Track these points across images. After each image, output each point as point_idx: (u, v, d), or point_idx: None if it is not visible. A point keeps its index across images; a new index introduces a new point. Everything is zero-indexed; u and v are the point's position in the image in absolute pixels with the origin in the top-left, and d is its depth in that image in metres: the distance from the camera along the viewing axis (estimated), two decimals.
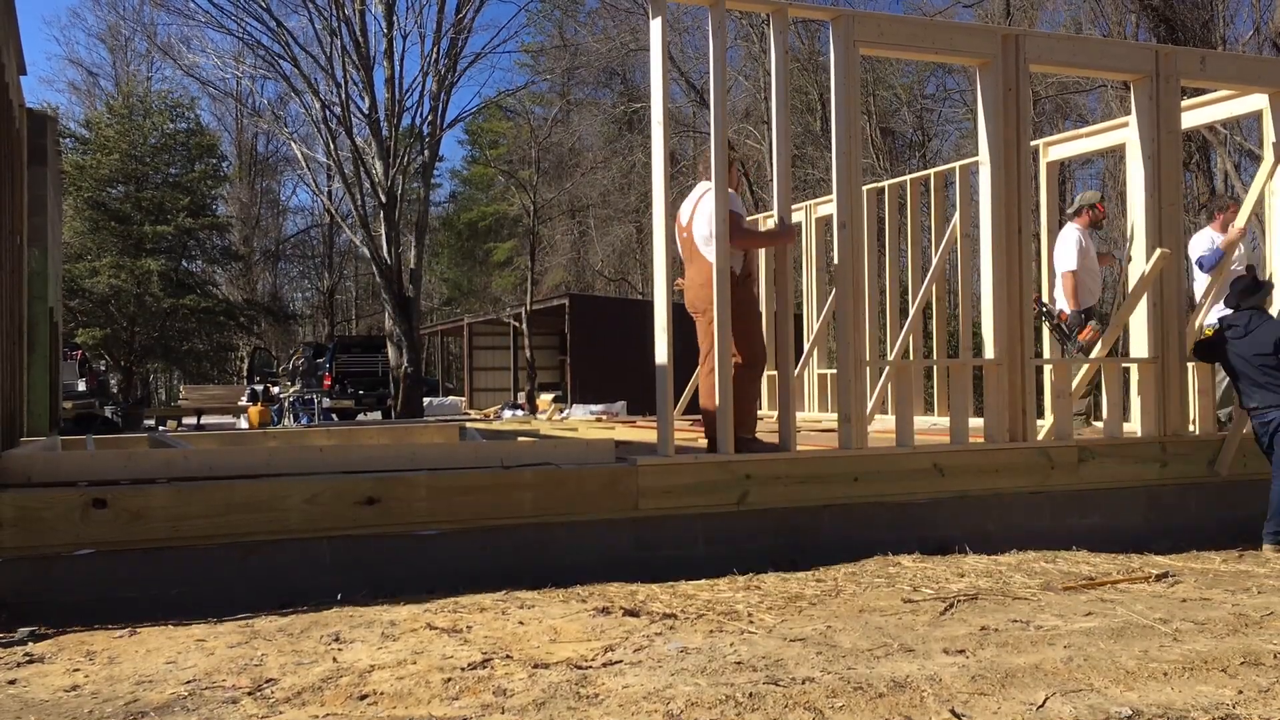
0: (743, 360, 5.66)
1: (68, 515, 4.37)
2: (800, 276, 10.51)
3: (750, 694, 3.05)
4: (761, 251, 7.29)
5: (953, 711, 2.92)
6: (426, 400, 23.45)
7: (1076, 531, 5.99)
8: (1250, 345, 6.22)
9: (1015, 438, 6.04)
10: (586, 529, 5.14)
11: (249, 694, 3.16)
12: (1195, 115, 7.46)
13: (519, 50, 31.37)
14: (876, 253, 9.52)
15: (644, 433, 8.13)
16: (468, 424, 9.18)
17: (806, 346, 9.74)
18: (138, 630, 4.04)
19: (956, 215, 8.62)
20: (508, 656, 3.50)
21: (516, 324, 29.49)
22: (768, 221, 8.43)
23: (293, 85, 20.86)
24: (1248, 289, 6.49)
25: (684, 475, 5.33)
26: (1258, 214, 7.27)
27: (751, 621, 4.04)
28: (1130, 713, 2.91)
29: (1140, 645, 3.64)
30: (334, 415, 23.74)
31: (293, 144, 24.07)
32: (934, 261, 8.92)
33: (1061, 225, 8.14)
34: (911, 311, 8.56)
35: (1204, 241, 7.52)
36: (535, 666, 3.38)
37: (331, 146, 20.22)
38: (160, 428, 20.84)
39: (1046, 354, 8.06)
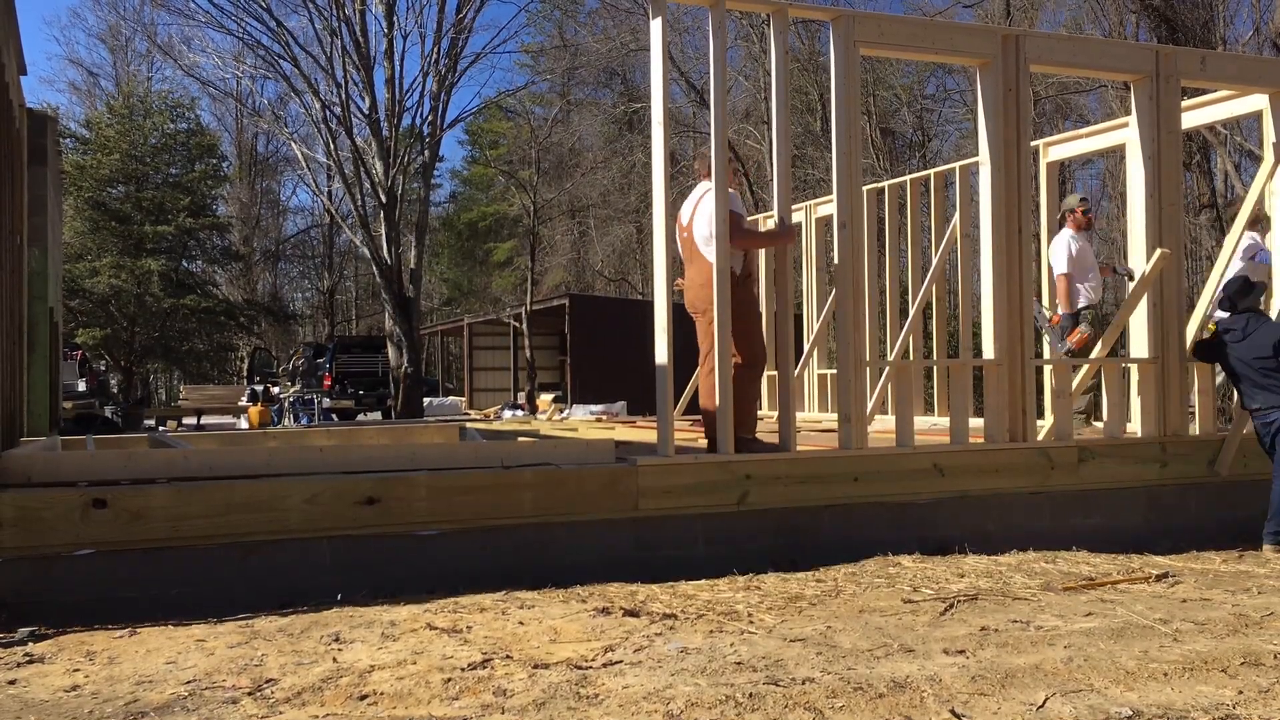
0: (743, 360, 5.66)
1: (68, 515, 4.37)
2: (800, 276, 10.51)
3: (750, 694, 3.05)
4: (761, 251, 7.29)
5: (953, 712, 2.92)
6: (426, 400, 23.43)
7: (1077, 532, 5.99)
8: (1249, 349, 6.21)
9: (1015, 438, 6.05)
10: (586, 529, 5.14)
11: (249, 694, 3.17)
12: (1195, 115, 7.46)
13: (519, 50, 31.44)
14: (876, 253, 9.53)
15: (644, 433, 8.14)
16: (468, 424, 9.19)
17: (806, 346, 9.75)
18: (138, 630, 4.04)
19: (956, 215, 8.62)
20: (508, 657, 3.51)
21: (516, 324, 29.48)
22: (768, 221, 8.43)
23: (293, 85, 20.86)
24: (1241, 290, 6.48)
25: (684, 475, 5.33)
26: (1260, 224, 7.29)
27: (751, 622, 4.03)
28: (1130, 713, 2.91)
29: (1140, 645, 3.64)
30: (334, 415, 23.74)
31: (293, 144, 24.05)
32: (934, 261, 8.92)
33: (1060, 227, 8.19)
34: (911, 311, 8.56)
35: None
36: (535, 667, 3.38)
37: (331, 146, 20.21)
38: (160, 428, 20.83)
39: (1046, 354, 8.07)
